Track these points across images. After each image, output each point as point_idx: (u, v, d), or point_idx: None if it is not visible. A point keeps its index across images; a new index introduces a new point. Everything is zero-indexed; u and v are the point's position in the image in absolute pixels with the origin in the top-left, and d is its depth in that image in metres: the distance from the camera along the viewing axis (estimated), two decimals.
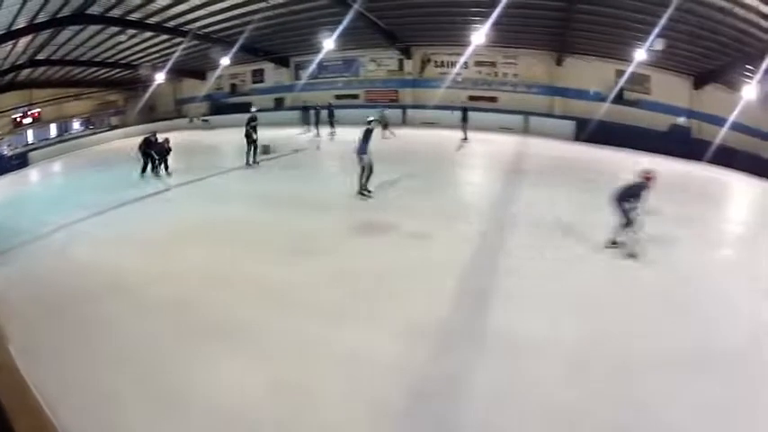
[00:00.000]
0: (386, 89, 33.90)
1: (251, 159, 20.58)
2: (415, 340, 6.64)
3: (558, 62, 27.48)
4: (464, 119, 24.58)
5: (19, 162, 38.07)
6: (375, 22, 26.70)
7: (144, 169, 20.33)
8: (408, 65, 32.45)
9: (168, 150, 20.58)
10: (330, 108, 29.63)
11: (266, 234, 11.62)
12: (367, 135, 14.11)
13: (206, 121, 39.85)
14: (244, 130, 20.66)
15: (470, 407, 5.54)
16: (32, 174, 34.13)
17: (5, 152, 41.16)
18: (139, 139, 22.49)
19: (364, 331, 6.95)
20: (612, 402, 5.58)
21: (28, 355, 3.27)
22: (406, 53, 31.83)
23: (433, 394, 5.77)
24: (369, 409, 5.51)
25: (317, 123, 29.24)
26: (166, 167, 20.36)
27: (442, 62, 31.10)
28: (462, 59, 28.76)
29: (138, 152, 20.78)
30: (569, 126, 25.39)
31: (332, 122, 29.11)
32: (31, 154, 40.43)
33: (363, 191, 14.29)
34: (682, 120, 23.62)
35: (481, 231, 11.02)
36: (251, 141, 20.66)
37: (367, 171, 14.17)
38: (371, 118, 15.06)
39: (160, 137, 21.72)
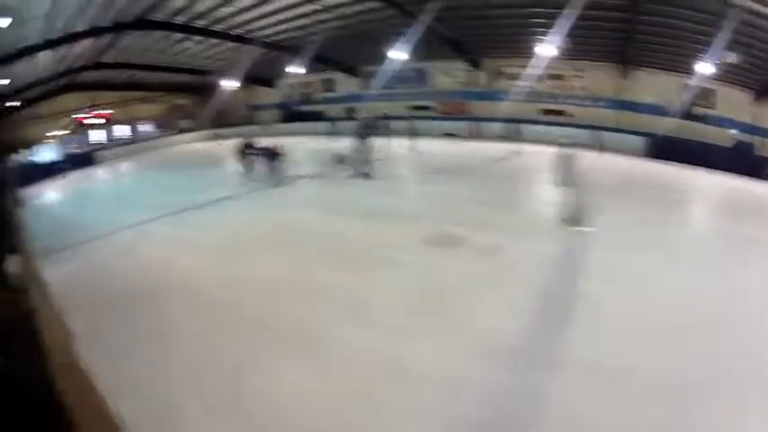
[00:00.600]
0: (457, 101, 32.79)
1: (366, 170, 19.14)
2: (488, 356, 6.36)
3: (624, 75, 26.42)
4: (515, 132, 24.76)
5: (85, 161, 39.16)
6: (443, 33, 26.39)
7: (246, 172, 20.23)
8: (479, 77, 31.42)
9: (279, 155, 19.51)
10: (385, 119, 29.35)
11: (338, 242, 11.47)
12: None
13: (219, 137, 40.39)
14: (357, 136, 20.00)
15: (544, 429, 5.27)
16: (100, 173, 35.20)
17: (70, 150, 42.60)
18: (227, 143, 24.52)
19: (434, 344, 6.67)
20: None
21: (91, 354, 3.22)
22: (476, 65, 30.98)
23: (506, 413, 5.50)
24: (440, 427, 5.32)
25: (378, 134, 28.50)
26: (276, 173, 19.22)
27: (512, 74, 29.47)
28: (531, 72, 27.31)
29: (239, 155, 20.67)
30: (636, 141, 24.09)
31: (386, 133, 27.75)
32: (99, 153, 41.78)
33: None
34: (735, 132, 22.44)
35: (553, 247, 10.52)
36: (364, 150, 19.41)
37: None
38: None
39: (267, 142, 21.31)
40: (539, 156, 21.05)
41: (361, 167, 18.41)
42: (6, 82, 29.88)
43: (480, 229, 11.27)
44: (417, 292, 8.26)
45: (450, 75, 32.61)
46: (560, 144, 13.20)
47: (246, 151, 20.38)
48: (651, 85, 25.48)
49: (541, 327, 7.09)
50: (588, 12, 19.58)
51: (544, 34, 23.23)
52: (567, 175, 11.84)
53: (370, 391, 5.83)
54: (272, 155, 19.27)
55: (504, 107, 29.11)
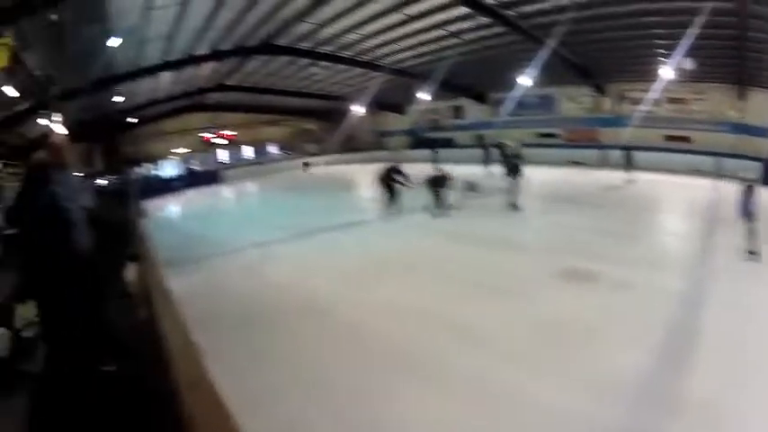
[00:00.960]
0: (584, 128, 31.78)
1: (514, 200, 18.10)
2: (610, 397, 6.01)
3: (741, 96, 24.66)
4: (628, 159, 23.34)
5: (210, 179, 40.69)
6: (568, 57, 25.51)
7: (389, 200, 19.00)
8: (603, 102, 30.38)
9: (447, 181, 18.23)
10: (500, 147, 28.57)
11: (466, 271, 11.13)
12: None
13: (307, 165, 41.40)
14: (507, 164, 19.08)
15: None
16: (225, 191, 36.36)
17: (195, 167, 44.32)
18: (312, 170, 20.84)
19: (556, 381, 6.34)
20: None
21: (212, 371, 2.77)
22: (601, 90, 29.94)
23: None
24: None
25: (488, 161, 28.94)
26: (442, 201, 17.94)
27: (635, 99, 28.38)
28: (652, 95, 26.63)
29: (381, 183, 19.65)
30: (756, 167, 21.87)
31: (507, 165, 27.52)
32: (225, 172, 43.22)
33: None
34: None
35: (689, 285, 9.78)
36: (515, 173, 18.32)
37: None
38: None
39: (431, 169, 19.87)
40: (662, 185, 21.53)
41: (510, 198, 17.73)
42: (121, 99, 31.13)
43: (608, 262, 10.88)
44: (543, 326, 8.02)
45: (575, 100, 31.95)
46: (740, 178, 13.55)
47: (392, 176, 19.40)
48: None
49: (670, 367, 6.69)
50: (705, 30, 18.80)
51: (665, 56, 22.73)
52: (747, 207, 11.45)
53: (495, 425, 5.68)
54: (438, 182, 18.11)
55: (626, 133, 27.81)
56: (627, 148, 23.65)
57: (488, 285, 10.04)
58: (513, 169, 17.78)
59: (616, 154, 26.76)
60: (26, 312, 5.33)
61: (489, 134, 36.01)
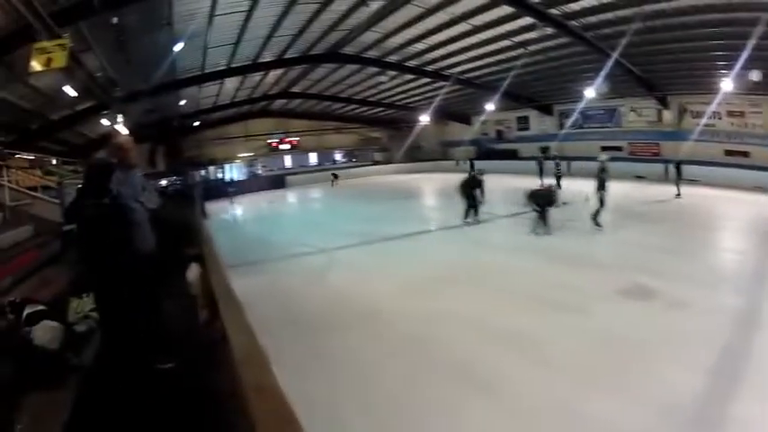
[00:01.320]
0: (647, 141, 31.13)
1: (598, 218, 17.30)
2: (667, 418, 5.73)
3: None
4: (678, 173, 22.72)
5: (275, 183, 41.70)
6: (631, 69, 25.04)
7: (468, 212, 18.53)
8: (666, 115, 29.60)
9: (554, 198, 17.11)
10: (555, 159, 28.55)
11: (525, 285, 10.95)
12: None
13: (335, 177, 40.41)
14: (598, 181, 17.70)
15: None
16: (290, 196, 37.01)
17: (259, 172, 45.89)
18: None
19: (614, 400, 6.14)
20: None
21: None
22: (663, 102, 29.18)
23: None
24: None
25: (542, 173, 28.38)
26: (545, 218, 16.56)
27: (697, 112, 27.80)
28: (713, 109, 26.30)
29: (461, 192, 19.15)
30: None
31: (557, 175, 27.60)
32: (289, 178, 44.00)
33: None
34: None
35: (747, 304, 9.43)
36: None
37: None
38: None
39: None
40: (722, 201, 21.04)
41: (595, 214, 16.69)
42: (185, 102, 32.05)
43: (668, 279, 10.62)
44: (604, 343, 7.87)
45: (638, 113, 31.39)
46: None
47: (473, 185, 18.88)
48: None
49: (723, 389, 6.45)
50: (762, 41, 18.47)
51: (725, 67, 22.35)
52: None
53: None
54: (544, 198, 16.79)
55: (686, 147, 27.45)
56: (678, 163, 23.11)
57: (548, 299, 9.95)
58: (601, 185, 17.22)
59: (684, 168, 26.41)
60: (80, 307, 5.43)
61: (553, 146, 35.84)
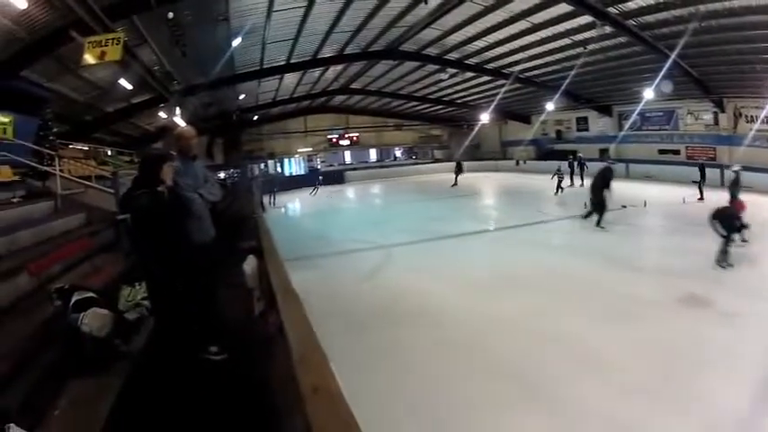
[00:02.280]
0: (703, 145, 30.43)
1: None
2: None
3: None
4: (702, 176, 23.24)
5: (334, 178, 41.83)
6: (688, 70, 24.74)
7: (590, 214, 17.52)
8: (722, 119, 28.83)
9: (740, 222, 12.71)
10: (581, 161, 30.35)
11: (583, 291, 10.76)
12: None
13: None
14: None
15: None
16: (349, 191, 37.52)
17: (319, 166, 46.46)
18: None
19: (671, 413, 5.91)
20: None
21: None
22: (720, 106, 28.46)
23: None
24: None
25: (573, 175, 29.95)
26: (729, 245, 12.39)
27: (752, 116, 27.12)
28: (766, 113, 25.68)
29: (593, 189, 18.03)
30: None
31: (581, 175, 29.69)
32: (348, 173, 44.83)
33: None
34: None
35: None
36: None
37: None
38: None
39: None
40: None
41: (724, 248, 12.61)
42: (242, 97, 32.88)
43: (727, 290, 10.39)
44: (659, 353, 7.66)
45: (695, 116, 30.90)
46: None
47: (605, 182, 16.82)
48: None
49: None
50: None
51: None
52: None
53: None
54: (729, 219, 12.37)
55: (741, 153, 26.90)
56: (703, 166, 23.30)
57: (606, 306, 9.86)
58: (733, 197, 15.97)
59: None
60: (132, 295, 5.45)
61: (612, 148, 35.72)
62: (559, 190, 25.10)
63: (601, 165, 18.90)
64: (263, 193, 27.78)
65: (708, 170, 24.12)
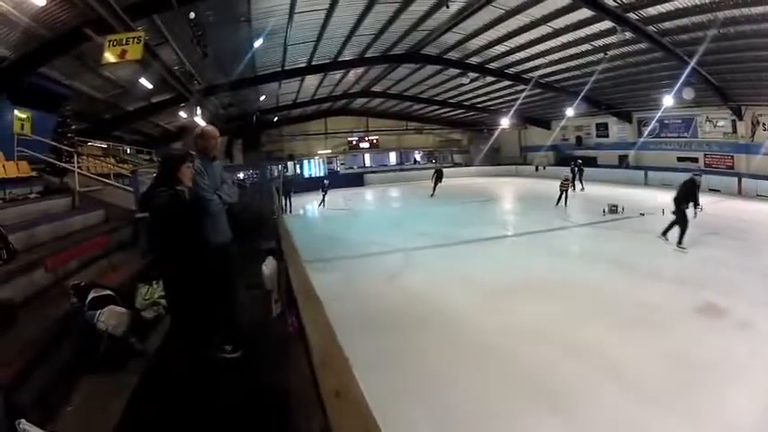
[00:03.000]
0: (722, 153, 30.15)
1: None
2: None
3: None
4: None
5: (354, 181, 42.46)
6: (707, 77, 24.53)
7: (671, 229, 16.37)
8: (740, 127, 28.51)
9: None
10: (579, 166, 30.89)
11: (603, 298, 10.74)
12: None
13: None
14: None
15: None
16: (367, 194, 37.43)
17: (339, 169, 46.91)
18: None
19: (684, 421, 5.92)
20: None
21: None
22: (738, 114, 28.17)
23: None
24: None
25: (574, 180, 29.83)
26: None
27: None
28: None
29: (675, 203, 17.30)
30: None
31: (581, 180, 30.83)
32: (367, 176, 44.84)
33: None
34: None
35: None
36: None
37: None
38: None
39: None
40: None
41: None
42: (262, 98, 32.99)
43: (746, 300, 10.24)
44: (674, 362, 7.62)
45: (713, 124, 30.63)
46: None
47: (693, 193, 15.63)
48: None
49: None
50: None
51: None
52: None
53: None
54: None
55: (758, 162, 27.07)
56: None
57: (624, 314, 9.83)
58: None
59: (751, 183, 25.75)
60: (149, 293, 5.45)
61: (631, 155, 35.81)
62: (561, 200, 24.09)
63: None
64: (282, 194, 27.49)
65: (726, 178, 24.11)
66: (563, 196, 23.42)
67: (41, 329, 4.42)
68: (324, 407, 1.80)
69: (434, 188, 31.55)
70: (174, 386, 3.93)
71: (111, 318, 4.34)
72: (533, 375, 7.21)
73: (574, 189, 28.75)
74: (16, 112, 13.05)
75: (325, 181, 30.79)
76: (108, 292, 4.80)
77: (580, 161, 32.75)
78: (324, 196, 29.58)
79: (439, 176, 32.16)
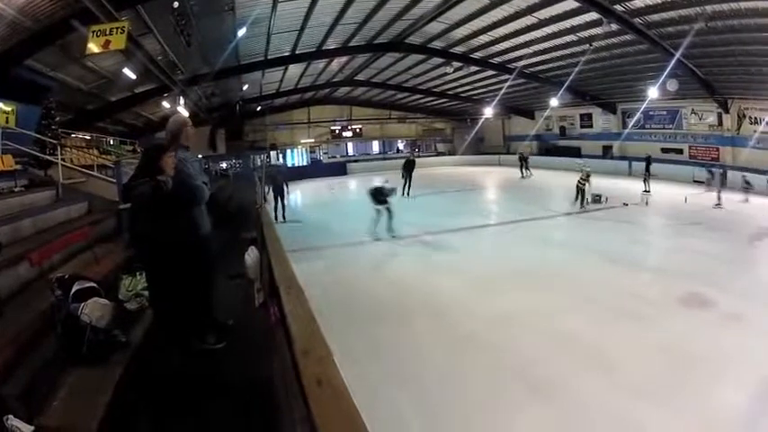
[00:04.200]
0: (707, 145, 30.57)
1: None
2: None
3: None
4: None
5: (337, 170, 42.53)
6: (693, 70, 24.80)
7: None
8: (726, 120, 28.87)
9: None
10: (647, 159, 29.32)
11: (587, 288, 10.81)
12: None
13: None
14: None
15: None
16: (351, 183, 37.19)
17: (322, 158, 47.09)
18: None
19: (670, 411, 6.05)
20: None
21: None
22: (725, 106, 28.45)
23: None
24: None
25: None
26: None
27: (756, 118, 27.14)
28: None
29: None
30: None
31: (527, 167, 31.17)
32: (350, 165, 44.81)
33: None
34: None
35: None
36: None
37: None
38: None
39: None
40: None
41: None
42: (246, 87, 32.75)
43: (728, 291, 10.40)
44: (661, 354, 7.71)
45: (699, 116, 30.91)
46: None
47: None
48: None
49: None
50: None
51: None
52: None
53: None
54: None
55: (744, 154, 27.37)
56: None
57: (610, 305, 9.88)
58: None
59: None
60: (132, 285, 5.46)
61: (616, 146, 36.12)
62: (579, 199, 23.41)
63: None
64: (265, 183, 26.54)
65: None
66: (581, 194, 20.52)
67: (26, 323, 4.43)
68: (305, 395, 1.82)
69: (406, 186, 25.71)
70: (159, 378, 3.96)
71: (94, 310, 4.32)
72: (518, 363, 7.33)
73: (523, 176, 30.21)
74: (1, 104, 12.93)
75: (284, 184, 21.04)
76: (91, 284, 4.73)
77: (522, 152, 34.64)
78: (281, 203, 20.83)
79: (408, 169, 26.60)
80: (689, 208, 20.38)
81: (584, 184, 20.36)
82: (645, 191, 23.65)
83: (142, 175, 4.28)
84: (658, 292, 10.49)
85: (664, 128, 33.24)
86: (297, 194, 29.62)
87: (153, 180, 4.14)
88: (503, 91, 35.43)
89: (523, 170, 34.02)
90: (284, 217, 20.33)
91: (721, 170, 23.02)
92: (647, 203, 20.71)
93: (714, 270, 12.02)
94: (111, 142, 26.17)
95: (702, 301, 9.91)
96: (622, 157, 34.83)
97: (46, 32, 13.38)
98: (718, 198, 21.10)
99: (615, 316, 9.25)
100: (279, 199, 20.63)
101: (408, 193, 25.32)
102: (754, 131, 27.15)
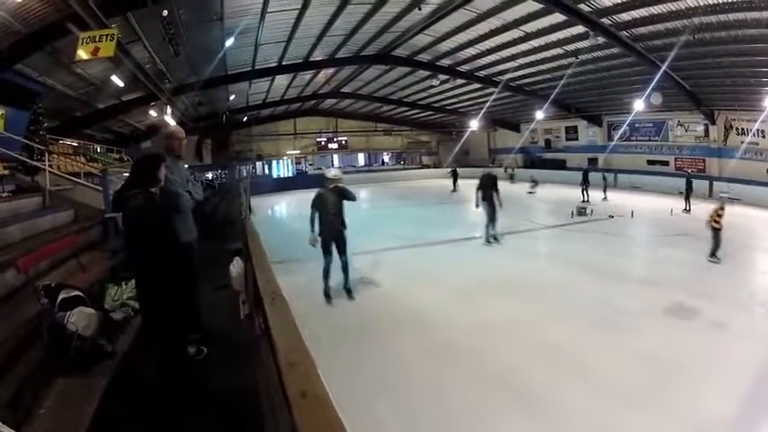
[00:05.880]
0: (693, 157, 30.99)
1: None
2: None
3: None
4: (585, 180, 25.57)
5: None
6: (679, 82, 25.03)
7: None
8: (713, 131, 29.32)
9: None
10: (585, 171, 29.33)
11: (572, 299, 10.73)
12: None
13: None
14: None
15: None
16: None
17: (306, 169, 47.18)
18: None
19: (654, 421, 5.97)
20: None
21: None
22: (711, 118, 28.88)
23: None
24: None
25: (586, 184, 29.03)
26: None
27: (743, 129, 27.56)
28: (757, 126, 26.20)
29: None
30: None
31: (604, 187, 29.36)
32: None
33: None
34: None
35: None
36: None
37: None
38: None
39: None
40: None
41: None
42: (232, 97, 32.62)
43: (713, 300, 10.48)
44: (644, 364, 7.64)
45: (685, 128, 31.31)
46: None
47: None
48: None
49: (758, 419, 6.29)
50: None
51: None
52: None
53: None
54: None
55: (731, 165, 27.73)
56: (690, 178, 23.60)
57: (594, 315, 9.88)
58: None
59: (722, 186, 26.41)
60: (118, 294, 5.45)
61: (601, 158, 36.15)
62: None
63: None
64: (250, 194, 26.70)
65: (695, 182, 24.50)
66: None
67: (12, 331, 4.41)
68: (290, 407, 1.85)
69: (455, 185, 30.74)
70: (145, 388, 3.95)
71: (80, 319, 4.28)
72: (501, 374, 7.28)
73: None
74: None
75: (286, 182, 23.48)
76: (77, 292, 4.71)
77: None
78: (287, 195, 22.41)
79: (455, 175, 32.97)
80: (674, 219, 20.60)
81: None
82: (584, 200, 24.24)
83: (134, 186, 4.27)
84: (644, 303, 10.54)
85: (650, 140, 33.56)
86: (282, 206, 29.66)
87: (146, 192, 4.16)
88: (488, 104, 35.75)
89: (456, 184, 34.01)
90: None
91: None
92: (632, 215, 20.84)
93: (702, 280, 12.22)
94: (98, 150, 26.05)
95: (689, 312, 10.01)
96: (608, 170, 33.62)
97: (36, 37, 13.29)
98: (687, 205, 22.10)
99: (598, 326, 9.31)
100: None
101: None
102: (741, 142, 27.51)
